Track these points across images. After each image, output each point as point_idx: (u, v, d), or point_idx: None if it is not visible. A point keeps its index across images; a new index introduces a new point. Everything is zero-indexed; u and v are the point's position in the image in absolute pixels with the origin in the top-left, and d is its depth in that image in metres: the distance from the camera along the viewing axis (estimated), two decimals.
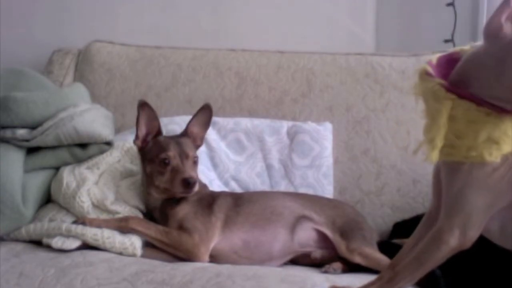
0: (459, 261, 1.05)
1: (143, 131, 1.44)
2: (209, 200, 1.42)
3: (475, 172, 0.91)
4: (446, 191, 0.96)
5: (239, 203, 1.43)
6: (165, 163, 1.39)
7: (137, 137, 1.44)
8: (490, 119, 0.88)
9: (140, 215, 1.42)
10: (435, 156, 0.92)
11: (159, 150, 1.40)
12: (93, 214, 1.38)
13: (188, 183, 1.36)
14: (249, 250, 1.38)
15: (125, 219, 1.35)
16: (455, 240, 0.92)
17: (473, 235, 0.93)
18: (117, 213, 1.39)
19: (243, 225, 1.40)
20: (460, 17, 1.98)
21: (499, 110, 0.88)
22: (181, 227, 1.35)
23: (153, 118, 1.44)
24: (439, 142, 0.91)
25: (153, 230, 1.35)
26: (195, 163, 1.43)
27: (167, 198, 1.41)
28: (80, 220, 1.34)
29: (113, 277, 1.15)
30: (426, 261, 0.95)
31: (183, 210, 1.39)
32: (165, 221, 1.39)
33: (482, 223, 0.93)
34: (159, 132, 1.45)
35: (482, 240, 0.99)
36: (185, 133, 1.47)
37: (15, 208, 1.37)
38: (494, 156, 0.89)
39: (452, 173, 0.95)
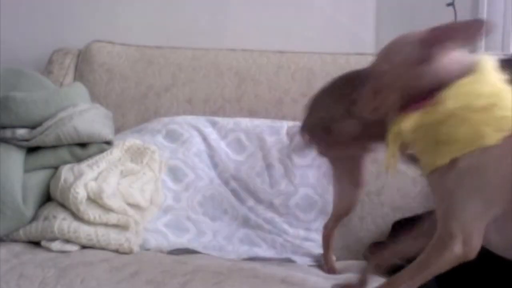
0: (455, 271, 1.06)
1: None
2: None
3: (458, 178, 0.91)
4: (438, 200, 0.96)
5: None
6: None
7: None
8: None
9: (139, 215, 1.43)
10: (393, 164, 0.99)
11: None
12: (86, 207, 1.36)
13: None
14: None
15: None
16: (459, 247, 0.90)
17: (476, 243, 0.91)
18: (112, 209, 1.38)
19: None
20: (460, 17, 1.98)
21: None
22: None
23: None
24: (392, 150, 0.97)
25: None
26: None
27: None
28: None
29: (113, 277, 1.15)
30: (428, 268, 0.94)
31: None
32: None
33: (481, 230, 0.92)
34: None
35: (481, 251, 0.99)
36: None
37: (16, 208, 1.37)
38: (447, 158, 0.91)
39: (437, 183, 0.95)
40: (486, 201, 0.91)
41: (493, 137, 0.88)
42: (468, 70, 0.92)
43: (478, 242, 0.92)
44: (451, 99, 0.90)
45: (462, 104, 0.89)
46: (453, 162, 0.91)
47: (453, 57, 0.93)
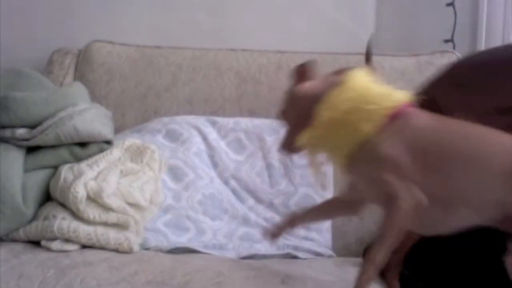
0: (427, 262, 1.09)
1: None
2: None
3: (365, 167, 1.03)
4: (366, 187, 1.05)
5: None
6: None
7: None
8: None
9: (139, 215, 1.42)
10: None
11: None
12: (86, 207, 1.36)
13: None
14: None
15: None
16: (408, 194, 0.96)
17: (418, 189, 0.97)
18: (111, 208, 1.38)
19: None
20: (460, 17, 1.98)
21: None
22: None
23: None
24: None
25: None
26: None
27: None
28: None
29: (112, 277, 1.15)
30: (393, 228, 0.97)
31: None
32: None
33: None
34: None
35: (449, 243, 1.04)
36: None
37: (16, 208, 1.37)
38: (343, 158, 1.05)
39: (355, 177, 1.08)
40: (399, 176, 0.99)
41: (367, 128, 1.02)
42: (337, 85, 1.10)
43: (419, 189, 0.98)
44: (323, 110, 1.06)
45: (335, 111, 1.05)
46: (352, 157, 1.03)
47: (324, 80, 1.16)
